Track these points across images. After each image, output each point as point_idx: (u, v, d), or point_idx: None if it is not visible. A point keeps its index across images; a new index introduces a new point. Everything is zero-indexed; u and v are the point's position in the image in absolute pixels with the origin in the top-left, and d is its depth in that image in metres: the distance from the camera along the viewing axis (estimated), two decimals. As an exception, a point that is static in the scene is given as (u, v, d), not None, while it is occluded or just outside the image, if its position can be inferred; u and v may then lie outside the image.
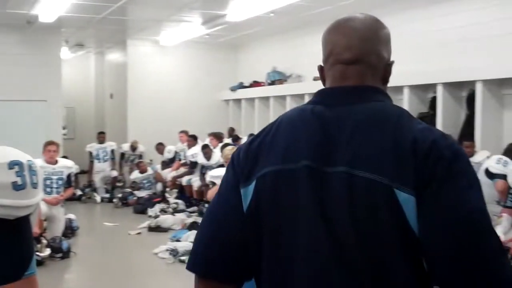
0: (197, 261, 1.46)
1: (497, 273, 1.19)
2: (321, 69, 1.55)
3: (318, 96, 1.50)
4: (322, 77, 1.54)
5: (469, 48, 7.79)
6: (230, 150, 6.67)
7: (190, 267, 1.46)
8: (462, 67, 7.60)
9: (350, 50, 1.44)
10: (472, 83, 7.55)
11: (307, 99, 11.05)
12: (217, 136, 11.19)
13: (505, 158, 5.89)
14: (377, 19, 1.54)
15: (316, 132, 1.38)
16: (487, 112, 7.38)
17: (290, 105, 11.67)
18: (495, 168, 5.81)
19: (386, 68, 1.49)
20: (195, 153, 10.65)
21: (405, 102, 8.49)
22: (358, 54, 1.44)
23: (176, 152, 12.12)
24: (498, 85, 7.41)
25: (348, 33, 1.46)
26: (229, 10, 10.17)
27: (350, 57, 1.44)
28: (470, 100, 7.76)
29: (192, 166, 10.76)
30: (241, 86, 13.83)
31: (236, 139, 11.07)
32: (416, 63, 8.46)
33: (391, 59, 1.52)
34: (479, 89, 7.37)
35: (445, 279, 1.23)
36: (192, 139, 11.28)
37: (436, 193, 1.23)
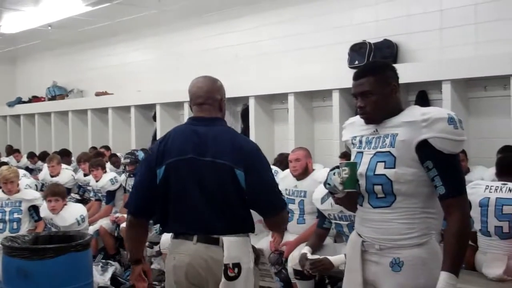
0: (129, 207, 2.84)
1: (275, 194, 2.74)
2: (189, 105, 2.85)
3: (191, 120, 2.82)
4: (191, 108, 2.85)
5: (243, 66, 8.32)
6: (6, 170, 6.25)
7: (128, 210, 2.85)
8: (237, 83, 8.07)
9: (201, 97, 2.76)
10: (246, 99, 8.06)
11: (90, 114, 10.86)
12: (-8, 155, 10.46)
13: (275, 168, 6.31)
14: (214, 78, 2.83)
15: (194, 139, 2.71)
16: (260, 125, 7.93)
17: (72, 121, 11.35)
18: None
19: (220, 104, 2.79)
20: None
21: (186, 117, 8.74)
22: (205, 99, 2.75)
23: None
24: (268, 100, 8.00)
25: (198, 86, 2.79)
26: (3, 22, 9.63)
27: (201, 101, 2.76)
28: (245, 114, 8.27)
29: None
30: (20, 101, 13.10)
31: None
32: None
33: (224, 97, 2.83)
34: (251, 104, 7.89)
35: (254, 204, 2.70)
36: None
37: (251, 170, 2.63)
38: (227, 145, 2.66)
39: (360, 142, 2.44)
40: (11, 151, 11.67)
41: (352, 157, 2.48)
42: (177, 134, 2.78)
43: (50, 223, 5.21)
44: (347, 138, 2.53)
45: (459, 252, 2.20)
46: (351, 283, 2.46)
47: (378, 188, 2.32)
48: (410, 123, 2.27)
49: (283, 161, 6.31)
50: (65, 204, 5.24)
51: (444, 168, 2.21)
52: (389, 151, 2.30)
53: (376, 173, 2.32)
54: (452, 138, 2.21)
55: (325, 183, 2.53)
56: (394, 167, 2.27)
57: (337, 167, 2.48)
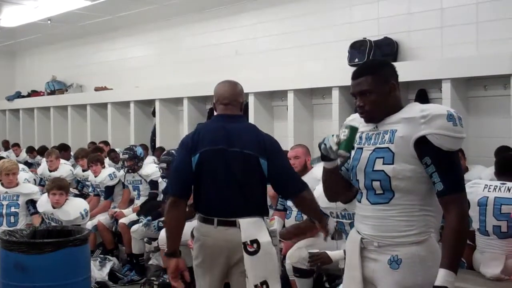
0: (171, 189, 3.21)
1: (295, 176, 3.25)
2: (213, 104, 3.34)
3: (218, 117, 3.27)
4: (215, 108, 3.31)
5: (242, 62, 8.31)
6: (8, 161, 6.25)
7: (170, 192, 3.20)
8: (237, 80, 8.00)
9: (227, 98, 3.24)
10: (245, 95, 8.02)
11: (89, 109, 10.86)
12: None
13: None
14: (237, 82, 3.34)
15: (223, 132, 3.15)
16: (259, 122, 7.87)
17: (72, 116, 11.34)
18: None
19: (241, 105, 3.30)
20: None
21: (185, 112, 8.77)
22: (230, 100, 3.23)
23: None
24: (268, 97, 8.00)
25: (224, 89, 3.28)
26: (3, 15, 9.61)
27: (227, 102, 3.23)
28: (244, 111, 8.22)
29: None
30: (19, 95, 13.08)
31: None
32: (195, 76, 8.81)
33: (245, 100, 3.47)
34: (251, 101, 7.88)
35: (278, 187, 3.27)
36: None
37: (271, 159, 3.12)
38: (252, 138, 3.16)
39: (360, 138, 2.43)
40: (8, 145, 11.67)
41: (352, 153, 2.47)
42: (208, 128, 3.30)
43: (50, 217, 5.19)
44: None
45: (457, 250, 2.18)
46: (351, 280, 2.45)
47: (376, 184, 2.32)
48: (409, 120, 2.26)
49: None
50: (67, 199, 5.24)
51: (443, 164, 2.21)
52: (387, 147, 2.29)
53: (374, 169, 2.32)
54: (450, 135, 2.20)
55: (320, 144, 2.49)
56: (392, 163, 2.27)
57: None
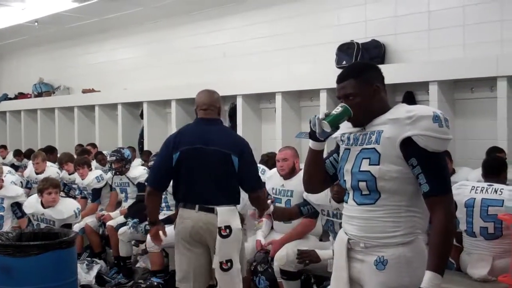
0: (149, 181, 3.94)
1: (257, 176, 3.93)
2: (195, 109, 3.95)
3: (198, 120, 3.89)
4: (196, 113, 3.94)
5: (231, 64, 8.31)
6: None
7: (148, 183, 3.98)
8: (225, 82, 8.06)
9: (205, 104, 3.86)
10: (233, 97, 8.05)
11: (76, 112, 10.80)
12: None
13: (263, 166, 6.31)
14: (214, 91, 3.96)
15: (201, 133, 3.76)
16: (247, 124, 7.92)
17: (59, 118, 11.28)
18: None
19: (219, 110, 3.90)
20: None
21: (173, 115, 8.74)
22: (208, 106, 3.86)
23: None
24: (256, 99, 8.00)
25: (203, 97, 3.91)
26: (-11, 17, 9.55)
27: (205, 107, 3.86)
28: (232, 113, 8.25)
29: None
30: (6, 97, 12.98)
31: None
32: (183, 78, 8.79)
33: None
34: (239, 103, 7.88)
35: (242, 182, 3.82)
36: None
37: (243, 157, 3.74)
38: (226, 139, 3.82)
39: (348, 139, 2.43)
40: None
41: (340, 154, 2.48)
42: (188, 129, 3.91)
43: (41, 218, 5.14)
44: (337, 135, 2.51)
45: (444, 251, 2.17)
46: (338, 281, 2.45)
47: (362, 184, 2.32)
48: (395, 120, 2.26)
49: (269, 160, 6.33)
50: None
51: (428, 166, 2.20)
52: (374, 148, 2.29)
53: (361, 169, 2.32)
54: (436, 136, 2.19)
55: (310, 119, 2.44)
56: (378, 164, 2.26)
57: None
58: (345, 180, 2.42)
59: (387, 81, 2.47)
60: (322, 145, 2.51)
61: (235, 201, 3.81)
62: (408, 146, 2.22)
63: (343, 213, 2.49)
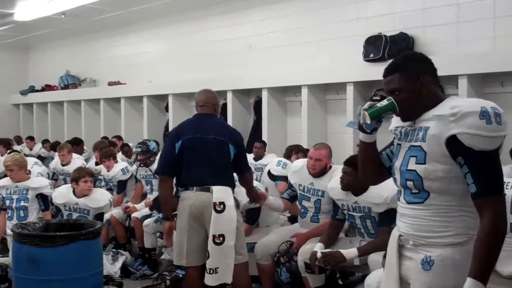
0: (158, 169, 4.43)
1: (245, 162, 4.43)
2: (195, 107, 4.46)
3: (197, 115, 4.39)
4: (196, 109, 4.43)
5: (255, 57, 8.27)
6: (10, 157, 6.25)
7: (157, 171, 4.64)
8: (250, 75, 8.03)
9: (202, 101, 4.36)
10: (259, 90, 8.01)
11: (102, 104, 10.88)
12: (5, 143, 10.45)
13: (284, 160, 6.26)
14: (211, 90, 4.46)
15: (200, 125, 4.24)
16: (273, 117, 7.88)
17: (85, 110, 11.37)
18: (276, 171, 6.13)
19: (214, 107, 4.37)
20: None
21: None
22: (204, 103, 4.35)
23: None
24: (281, 92, 7.95)
25: (201, 95, 4.41)
26: (17, 9, 9.65)
27: (202, 104, 4.36)
28: (257, 106, 8.22)
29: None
30: (33, 89, 13.13)
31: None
32: (208, 71, 8.78)
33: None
34: (265, 96, 7.84)
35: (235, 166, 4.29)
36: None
37: (237, 146, 4.25)
38: (223, 129, 4.32)
39: (400, 133, 2.33)
40: (21, 140, 11.70)
41: (393, 149, 2.40)
42: (188, 122, 4.41)
43: (73, 208, 5.17)
44: (392, 128, 2.41)
45: (488, 257, 2.04)
46: (389, 278, 2.39)
47: (410, 183, 2.23)
48: (440, 117, 2.13)
49: (289, 153, 6.33)
50: None
51: (475, 165, 2.06)
52: (420, 146, 2.18)
53: (408, 168, 2.22)
54: (483, 134, 2.03)
55: (358, 108, 2.38)
56: (424, 163, 2.16)
57: None
58: (395, 178, 2.33)
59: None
60: (371, 137, 2.41)
61: (230, 184, 4.19)
62: (454, 144, 2.08)
63: (397, 209, 2.40)
